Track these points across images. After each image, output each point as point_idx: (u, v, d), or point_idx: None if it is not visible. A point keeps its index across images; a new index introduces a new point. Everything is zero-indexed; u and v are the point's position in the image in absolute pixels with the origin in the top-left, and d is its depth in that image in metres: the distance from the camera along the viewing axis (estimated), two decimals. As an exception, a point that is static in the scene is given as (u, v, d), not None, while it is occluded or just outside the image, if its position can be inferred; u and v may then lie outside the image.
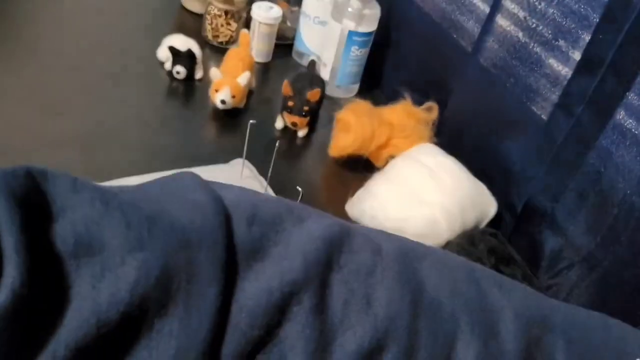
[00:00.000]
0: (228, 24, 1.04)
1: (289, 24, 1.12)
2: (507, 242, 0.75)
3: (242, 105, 0.93)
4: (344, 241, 0.33)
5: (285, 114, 0.89)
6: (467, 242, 0.73)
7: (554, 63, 0.76)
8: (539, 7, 0.76)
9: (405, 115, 0.89)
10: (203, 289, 0.27)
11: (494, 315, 0.34)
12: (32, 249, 0.24)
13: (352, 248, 0.33)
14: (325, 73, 1.02)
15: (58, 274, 0.24)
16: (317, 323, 0.30)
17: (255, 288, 0.29)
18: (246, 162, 0.78)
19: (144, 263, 0.26)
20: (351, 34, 0.96)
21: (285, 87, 0.88)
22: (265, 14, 1.01)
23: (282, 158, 0.82)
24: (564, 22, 0.74)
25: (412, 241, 0.37)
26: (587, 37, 0.70)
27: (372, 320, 0.31)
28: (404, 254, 0.34)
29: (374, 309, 0.31)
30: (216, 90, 0.88)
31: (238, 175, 0.77)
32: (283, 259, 0.30)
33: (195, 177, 0.33)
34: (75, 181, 0.28)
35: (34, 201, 0.25)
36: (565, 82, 0.73)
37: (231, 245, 0.29)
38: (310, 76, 0.94)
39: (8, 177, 0.25)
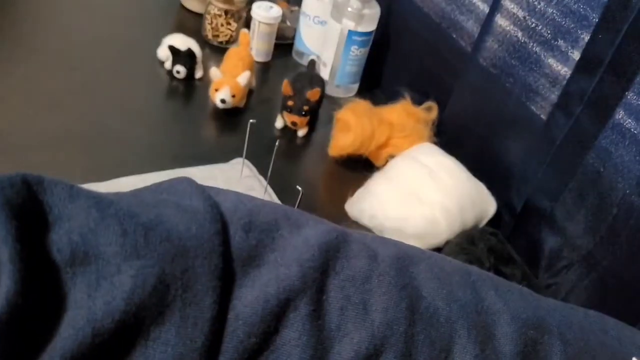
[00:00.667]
0: (228, 23, 1.04)
1: (288, 23, 1.12)
2: (506, 241, 0.75)
3: (242, 104, 0.93)
4: (340, 247, 0.33)
5: (285, 113, 0.89)
6: (467, 242, 0.73)
7: (553, 63, 0.76)
8: (539, 7, 0.76)
9: (405, 114, 0.89)
10: (199, 297, 0.27)
11: (490, 318, 0.34)
12: (28, 258, 0.24)
13: (348, 254, 0.33)
14: (325, 73, 1.02)
15: (54, 283, 0.24)
16: (314, 330, 0.30)
17: (252, 295, 0.29)
18: (246, 161, 0.78)
19: (140, 271, 0.26)
20: (351, 33, 0.96)
21: (285, 87, 0.88)
22: (265, 14, 1.01)
23: (282, 157, 0.82)
24: (564, 22, 0.74)
25: (408, 246, 0.37)
26: (586, 37, 0.70)
27: (369, 326, 0.31)
28: (400, 260, 0.34)
29: (370, 315, 0.31)
30: (216, 90, 0.88)
31: (238, 174, 0.78)
32: (279, 266, 0.30)
33: (192, 182, 0.32)
34: (72, 189, 0.27)
35: (30, 210, 0.25)
36: (564, 82, 0.73)
37: (227, 252, 0.29)
38: (310, 76, 0.94)
39: (4, 185, 0.25)
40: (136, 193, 0.31)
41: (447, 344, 0.32)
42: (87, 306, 0.24)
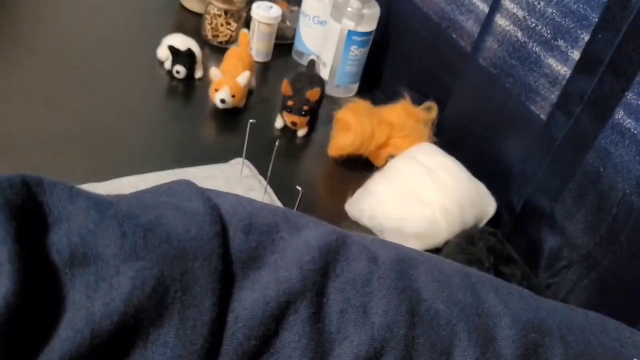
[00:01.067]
0: (228, 23, 1.04)
1: (288, 23, 1.12)
2: (506, 241, 0.75)
3: (241, 104, 0.93)
4: (340, 250, 0.33)
5: (284, 113, 0.89)
6: (466, 242, 0.73)
7: (553, 63, 0.76)
8: (538, 6, 0.76)
9: (405, 114, 0.89)
10: (198, 299, 0.27)
11: (491, 321, 0.34)
12: (27, 258, 0.24)
13: (348, 257, 0.33)
14: (324, 72, 1.02)
15: (53, 284, 0.24)
16: (314, 333, 0.30)
17: (252, 298, 0.29)
18: (246, 161, 0.78)
19: (139, 273, 0.26)
20: (350, 33, 0.96)
21: (285, 87, 0.88)
22: (264, 14, 1.01)
23: (281, 157, 0.82)
24: (563, 22, 0.74)
25: (408, 248, 0.37)
26: (586, 37, 0.70)
27: (369, 329, 0.31)
28: (400, 262, 0.34)
29: (370, 318, 0.31)
30: (216, 90, 0.88)
31: (238, 174, 0.77)
32: (279, 268, 0.30)
33: (192, 185, 0.32)
34: (71, 190, 0.27)
35: (29, 210, 0.25)
36: (564, 82, 0.73)
37: (227, 254, 0.29)
38: (309, 76, 0.94)
39: (3, 186, 0.25)
40: (136, 195, 0.31)
41: (448, 347, 0.32)
42: (86, 307, 0.24)
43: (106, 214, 0.27)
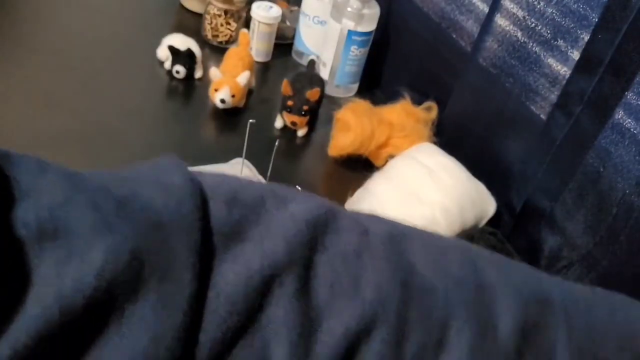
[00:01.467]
0: (228, 23, 1.04)
1: (288, 23, 1.12)
2: (506, 241, 0.75)
3: (241, 104, 0.93)
4: (329, 223, 0.31)
5: (284, 113, 0.89)
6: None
7: (553, 63, 0.76)
8: (538, 6, 0.76)
9: (405, 114, 0.89)
10: (177, 273, 0.26)
11: (489, 293, 0.32)
12: None
13: (338, 229, 0.32)
14: (324, 72, 1.02)
15: (19, 260, 0.23)
16: (302, 307, 0.28)
17: (234, 272, 0.28)
18: (246, 161, 0.78)
19: (112, 247, 0.25)
20: (350, 33, 0.96)
21: (285, 87, 0.88)
22: (264, 14, 1.01)
23: (281, 157, 0.82)
24: (563, 22, 0.74)
25: (402, 224, 0.35)
26: (586, 37, 0.70)
27: (360, 303, 0.29)
28: (393, 236, 0.33)
29: (361, 291, 0.30)
30: (216, 90, 0.88)
31: (238, 174, 0.77)
32: (264, 240, 0.29)
33: (174, 160, 0.31)
34: (41, 163, 0.26)
35: None
36: (564, 82, 0.73)
37: (207, 228, 0.28)
38: (309, 76, 0.94)
39: None
40: (113, 171, 0.30)
41: (443, 320, 0.31)
42: (55, 283, 0.23)
43: (78, 187, 0.26)
